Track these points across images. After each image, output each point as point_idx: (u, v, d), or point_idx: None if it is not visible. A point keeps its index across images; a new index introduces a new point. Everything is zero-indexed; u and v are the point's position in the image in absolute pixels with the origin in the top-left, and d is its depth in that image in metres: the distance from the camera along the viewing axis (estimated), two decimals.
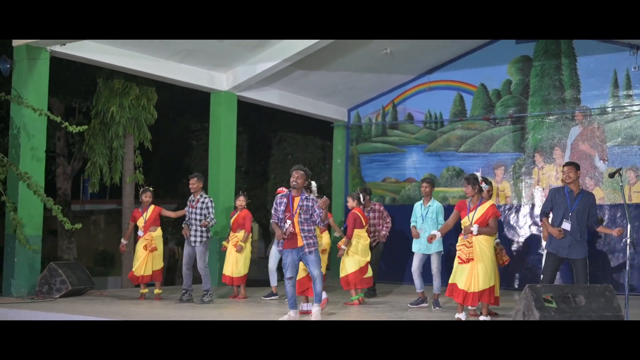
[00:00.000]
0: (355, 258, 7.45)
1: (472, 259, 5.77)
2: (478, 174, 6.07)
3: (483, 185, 6.05)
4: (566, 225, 5.85)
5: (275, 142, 15.44)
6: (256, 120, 15.13)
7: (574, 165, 5.97)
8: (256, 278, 9.28)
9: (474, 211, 5.89)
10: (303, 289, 6.42)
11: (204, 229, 7.24)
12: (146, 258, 7.66)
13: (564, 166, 6.08)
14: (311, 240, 5.75)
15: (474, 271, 5.77)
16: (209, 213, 7.25)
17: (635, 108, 9.56)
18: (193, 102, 13.40)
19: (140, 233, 7.74)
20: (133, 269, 7.73)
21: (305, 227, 5.72)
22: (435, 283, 7.12)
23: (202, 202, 7.30)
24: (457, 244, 5.97)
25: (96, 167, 9.93)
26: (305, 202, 5.73)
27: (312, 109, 11.45)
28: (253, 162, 16.01)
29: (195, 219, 7.25)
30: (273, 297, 8.02)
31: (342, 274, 7.50)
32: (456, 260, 5.95)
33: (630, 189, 9.41)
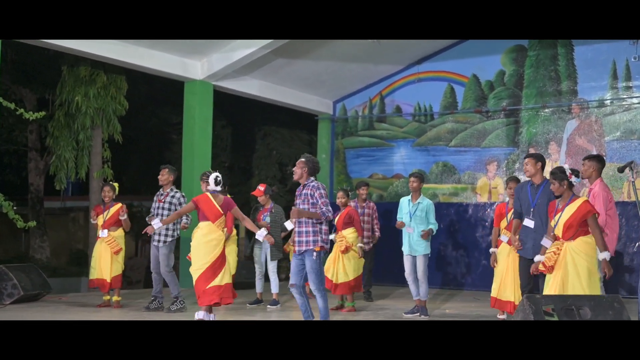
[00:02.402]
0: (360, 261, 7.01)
1: (553, 267, 4.69)
2: (566, 166, 5.13)
3: (573, 179, 4.93)
4: (528, 223, 5.22)
5: (260, 137, 14.99)
6: (240, 113, 14.58)
7: (533, 157, 5.33)
8: (241, 280, 8.59)
9: (560, 212, 4.76)
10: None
11: (169, 227, 6.54)
12: (105, 262, 6.91)
13: (524, 158, 5.50)
14: (304, 238, 4.85)
15: (558, 282, 4.63)
16: None
17: (635, 100, 9.03)
18: (172, 94, 12.78)
19: (101, 234, 6.97)
20: (92, 273, 7.01)
21: (302, 220, 4.86)
22: (422, 288, 6.56)
23: (173, 197, 6.61)
24: (548, 249, 4.89)
25: (62, 161, 9.24)
26: (304, 191, 4.95)
27: (295, 100, 10.83)
28: (237, 158, 15.50)
29: (163, 215, 6.55)
30: (259, 305, 7.38)
31: (344, 279, 6.88)
32: (540, 267, 4.89)
33: (630, 185, 8.87)
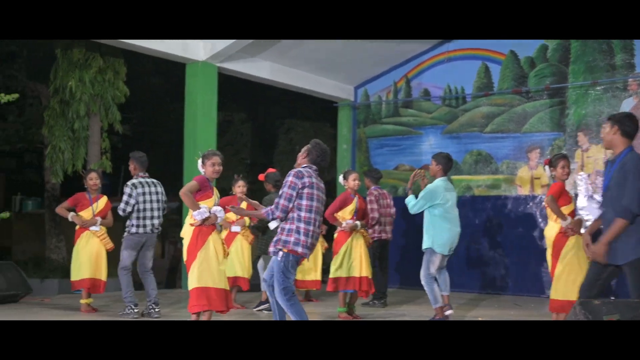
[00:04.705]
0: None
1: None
2: None
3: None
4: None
5: (283, 132, 14.32)
6: (257, 105, 13.86)
7: (610, 121, 3.80)
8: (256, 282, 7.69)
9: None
10: None
11: (129, 222, 5.95)
12: (102, 260, 6.31)
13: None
14: (276, 237, 4.26)
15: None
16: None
17: None
18: None
19: (95, 228, 6.31)
20: (82, 272, 6.27)
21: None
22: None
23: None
24: None
25: (57, 152, 8.55)
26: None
27: (311, 85, 9.87)
28: (258, 154, 14.83)
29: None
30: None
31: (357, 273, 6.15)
32: None
33: None
